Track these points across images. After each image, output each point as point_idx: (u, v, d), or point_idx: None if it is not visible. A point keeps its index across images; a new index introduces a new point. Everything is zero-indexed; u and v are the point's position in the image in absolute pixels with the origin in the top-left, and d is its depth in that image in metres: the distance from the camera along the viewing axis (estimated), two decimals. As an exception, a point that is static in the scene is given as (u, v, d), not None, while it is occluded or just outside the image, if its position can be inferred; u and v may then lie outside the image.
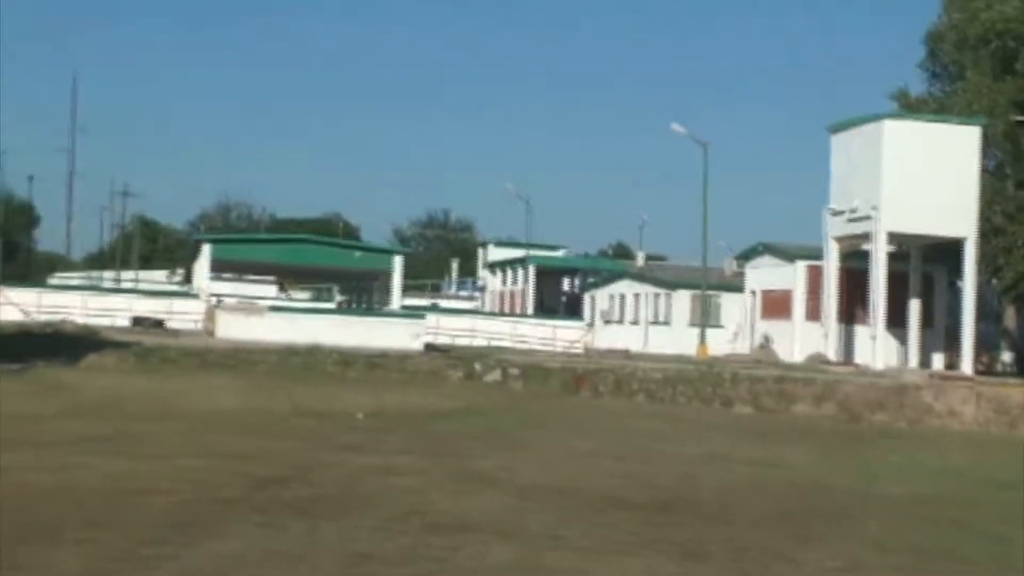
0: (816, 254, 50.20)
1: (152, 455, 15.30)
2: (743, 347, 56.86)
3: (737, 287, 60.33)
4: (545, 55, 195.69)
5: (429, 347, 46.80)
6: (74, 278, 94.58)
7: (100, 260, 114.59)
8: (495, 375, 34.69)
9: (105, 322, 50.41)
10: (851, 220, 46.67)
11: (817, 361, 46.46)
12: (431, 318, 56.63)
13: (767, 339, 55.11)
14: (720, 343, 56.99)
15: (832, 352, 48.26)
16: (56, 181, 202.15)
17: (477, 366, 35.65)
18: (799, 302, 52.98)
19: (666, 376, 34.33)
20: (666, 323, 63.90)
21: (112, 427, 18.19)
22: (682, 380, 33.79)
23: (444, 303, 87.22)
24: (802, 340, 51.17)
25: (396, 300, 56.23)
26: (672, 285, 64.18)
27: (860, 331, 49.01)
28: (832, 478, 17.91)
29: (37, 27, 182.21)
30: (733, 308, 60.87)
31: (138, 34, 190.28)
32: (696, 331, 56.82)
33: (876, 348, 45.12)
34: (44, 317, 49.61)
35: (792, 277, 53.66)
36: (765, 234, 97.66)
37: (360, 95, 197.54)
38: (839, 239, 48.12)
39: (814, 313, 50.91)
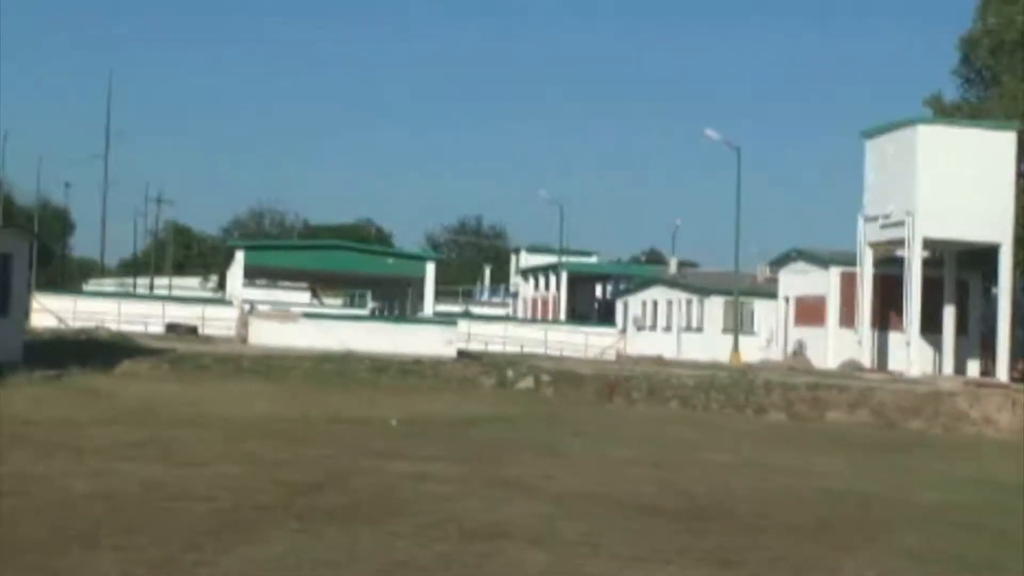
0: (850, 260, 50.00)
1: (188, 461, 15.35)
2: (776, 354, 56.64)
3: (770, 293, 60.13)
4: (578, 60, 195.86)
5: (462, 353, 46.78)
6: (108, 285, 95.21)
7: (134, 266, 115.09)
8: (528, 382, 34.68)
9: (139, 329, 50.70)
10: (885, 226, 46.49)
11: (851, 368, 46.28)
12: (463, 324, 56.63)
13: (800, 346, 54.90)
14: (753, 350, 56.82)
15: (866, 359, 48.08)
16: (91, 187, 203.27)
17: (510, 373, 35.65)
18: (833, 308, 52.76)
19: (699, 383, 34.25)
20: (699, 329, 63.73)
21: (147, 433, 18.26)
22: (715, 387, 33.70)
23: (477, 309, 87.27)
24: (836, 347, 50.99)
25: (429, 306, 56.24)
26: (705, 291, 64.01)
27: (894, 338, 48.80)
28: (867, 486, 17.81)
29: (72, 34, 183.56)
30: (766, 314, 60.69)
31: (172, 41, 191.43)
32: (729, 338, 56.67)
33: (911, 355, 44.91)
34: (79, 324, 49.85)
35: (826, 283, 53.45)
36: (798, 240, 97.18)
37: (393, 101, 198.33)
38: (873, 245, 47.93)
39: (848, 319, 50.71)
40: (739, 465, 19.50)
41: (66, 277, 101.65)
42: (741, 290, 58.36)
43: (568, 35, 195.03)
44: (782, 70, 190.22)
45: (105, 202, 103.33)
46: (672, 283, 69.47)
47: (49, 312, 53.18)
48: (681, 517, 13.36)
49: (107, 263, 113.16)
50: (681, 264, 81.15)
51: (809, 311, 55.42)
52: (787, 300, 57.81)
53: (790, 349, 55.93)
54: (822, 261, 54.48)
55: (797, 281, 57.13)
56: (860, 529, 13.55)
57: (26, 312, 42.90)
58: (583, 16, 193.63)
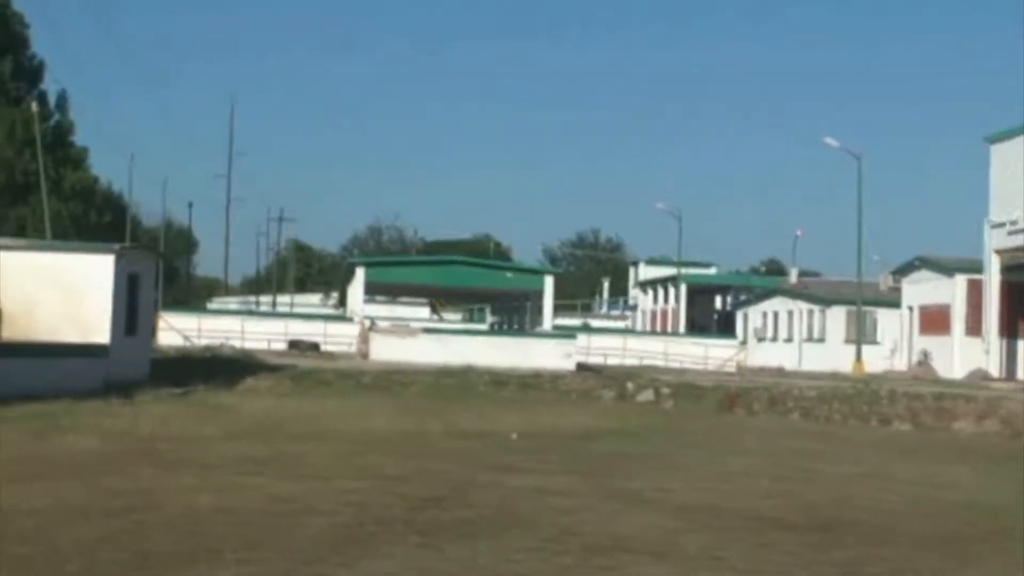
0: (976, 267, 49.09)
1: (310, 476, 15.50)
2: (900, 364, 55.83)
3: (893, 302, 59.30)
4: (694, 71, 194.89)
5: (581, 367, 46.78)
6: (232, 302, 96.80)
7: (256, 284, 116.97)
8: (647, 394, 34.53)
9: (262, 346, 51.52)
10: (1012, 232, 45.57)
11: (978, 377, 45.37)
12: (582, 338, 56.66)
13: (925, 355, 54.01)
14: (876, 360, 56.06)
15: (994, 368, 47.12)
16: (213, 207, 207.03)
17: (629, 385, 35.54)
18: (958, 317, 51.85)
19: (821, 394, 33.81)
20: (820, 340, 63.04)
21: (270, 449, 18.48)
22: (838, 398, 33.24)
23: (595, 322, 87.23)
24: (962, 356, 50.07)
25: (547, 320, 56.36)
26: (826, 301, 63.32)
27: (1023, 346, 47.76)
28: (995, 498, 17.38)
29: (194, 57, 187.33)
30: (890, 324, 59.85)
31: (291, 60, 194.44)
32: (851, 348, 55.97)
33: (1041, 363, 43.93)
34: (203, 341, 50.82)
35: (951, 291, 52.54)
36: (922, 248, 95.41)
37: (508, 115, 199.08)
38: (1000, 251, 46.99)
39: (974, 328, 49.78)
40: (862, 476, 19.17)
41: (191, 296, 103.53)
42: (864, 300, 57.56)
43: (683, 45, 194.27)
44: (903, 74, 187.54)
45: (228, 221, 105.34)
46: (793, 293, 68.83)
47: (175, 330, 54.28)
48: (803, 530, 13.17)
49: (230, 281, 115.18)
50: (802, 274, 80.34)
51: (934, 320, 54.53)
52: (911, 309, 56.93)
53: (915, 359, 55.06)
54: (947, 269, 53.56)
55: (921, 290, 56.24)
56: (987, 540, 13.23)
57: (153, 331, 43.78)
58: (697, 26, 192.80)
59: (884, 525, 13.83)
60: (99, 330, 29.97)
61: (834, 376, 46.87)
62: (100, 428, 20.04)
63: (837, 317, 62.06)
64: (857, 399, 33.12)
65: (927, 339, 54.71)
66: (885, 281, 64.37)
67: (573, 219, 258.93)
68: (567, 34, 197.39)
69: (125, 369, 29.81)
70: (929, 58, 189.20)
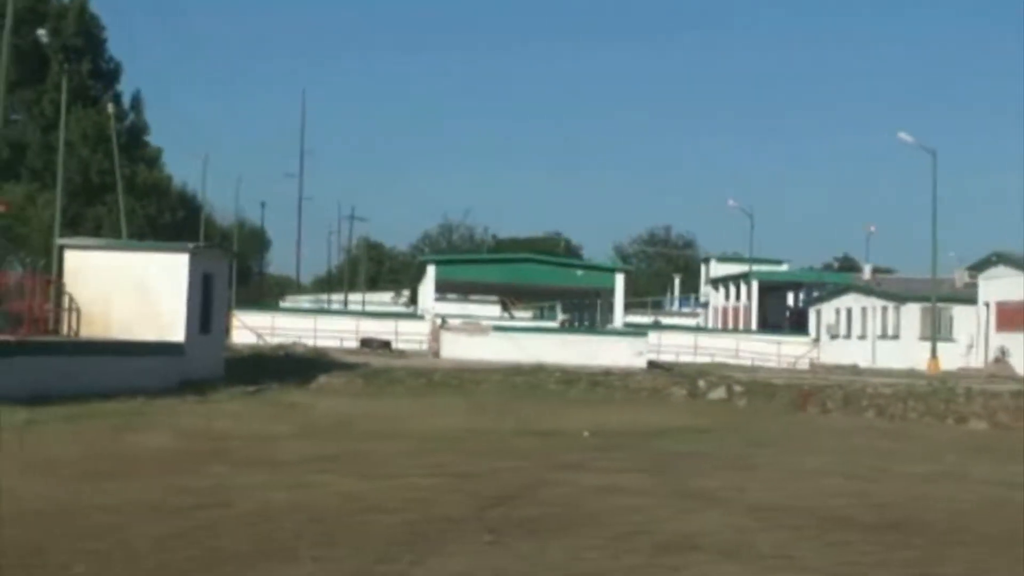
0: (1054, 263, 48.39)
1: (381, 474, 15.58)
2: (977, 361, 55.14)
3: (969, 299, 58.57)
4: (767, 68, 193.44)
5: (652, 364, 46.65)
6: (304, 301, 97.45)
7: (328, 283, 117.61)
8: (719, 392, 34.35)
9: (334, 344, 51.85)
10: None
11: (1057, 375, 44.70)
12: (653, 335, 56.52)
13: (1003, 352, 53.33)
14: (952, 357, 55.40)
15: (1073, 365, 46.40)
16: (285, 206, 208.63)
17: (701, 383, 35.36)
18: (1037, 313, 51.11)
19: (896, 392, 33.46)
20: (895, 337, 62.39)
21: (342, 447, 18.60)
22: (913, 396, 32.88)
23: (666, 320, 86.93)
24: (1041, 353, 49.36)
25: (618, 318, 56.23)
26: (901, 298, 62.64)
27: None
28: (1075, 497, 17.11)
29: (266, 56, 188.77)
30: (965, 321, 59.12)
31: (360, 59, 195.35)
32: (926, 345, 55.38)
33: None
34: (277, 340, 51.22)
35: (1029, 287, 51.80)
36: (998, 243, 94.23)
37: (579, 112, 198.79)
38: (1079, 247, 46.26)
39: (1053, 324, 49.05)
40: (937, 476, 18.95)
41: (263, 294, 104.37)
42: (939, 296, 56.91)
43: (757, 43, 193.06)
44: (980, 69, 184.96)
45: (300, 220, 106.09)
46: (867, 290, 68.17)
47: (248, 329, 54.80)
48: (876, 529, 13.04)
49: (302, 280, 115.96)
50: (876, 270, 79.54)
51: (1011, 316, 53.82)
52: (987, 306, 56.22)
53: (991, 356, 54.35)
54: (1024, 265, 52.82)
55: (998, 286, 55.52)
56: (1067, 543, 13.03)
57: (226, 329, 44.21)
58: (769, 24, 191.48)
59: (957, 525, 13.66)
60: (174, 329, 30.32)
61: (909, 374, 46.39)
62: (174, 426, 20.29)
63: (912, 314, 61.39)
64: (933, 397, 32.74)
65: (1004, 336, 54.02)
66: (961, 277, 63.60)
67: (644, 216, 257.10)
68: (638, 32, 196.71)
69: (199, 367, 30.13)
70: (1005, 51, 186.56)
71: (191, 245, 33.74)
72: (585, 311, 71.75)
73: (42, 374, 24.09)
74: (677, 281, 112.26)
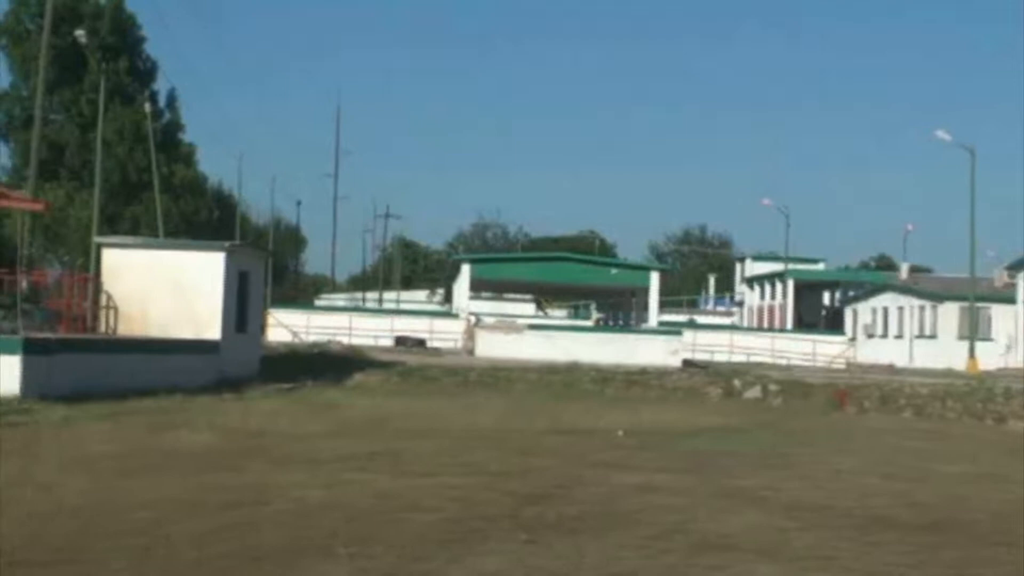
0: (1094, 262, 48.01)
1: (417, 472, 15.58)
2: (1016, 361, 54.72)
3: (1008, 298, 58.20)
4: (802, 67, 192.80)
5: (687, 363, 46.54)
6: (339, 299, 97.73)
7: (363, 281, 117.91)
8: (755, 391, 34.24)
9: (369, 342, 51.98)
10: None
11: (1096, 375, 44.35)
12: (688, 334, 56.39)
13: (1042, 352, 52.92)
14: (991, 357, 55.06)
15: (1112, 365, 46.03)
16: (321, 205, 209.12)
17: (736, 382, 35.26)
18: (1076, 313, 50.73)
19: (934, 391, 33.27)
20: (932, 336, 62.02)
21: (378, 445, 18.60)
22: (951, 395, 32.68)
23: (701, 319, 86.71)
24: (1080, 353, 48.99)
25: (653, 316, 56.16)
26: (938, 297, 62.28)
27: None
28: (1117, 499, 16.96)
29: (302, 56, 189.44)
30: (1004, 320, 58.74)
31: (395, 57, 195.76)
32: (964, 345, 55.06)
33: None
34: (312, 338, 51.38)
35: (1068, 287, 51.41)
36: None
37: (614, 111, 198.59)
38: (1118, 246, 45.89)
39: (1093, 324, 48.67)
40: (976, 476, 18.82)
41: (299, 293, 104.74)
42: (977, 295, 56.54)
43: (791, 42, 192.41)
44: (1014, 66, 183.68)
45: (335, 219, 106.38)
46: (904, 289, 67.80)
47: (284, 327, 55.01)
48: (915, 530, 12.95)
49: (337, 278, 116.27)
50: (913, 269, 79.12)
51: (1050, 316, 53.38)
52: (1026, 305, 55.78)
53: (1030, 356, 53.96)
54: (1064, 264, 52.43)
55: (1037, 285, 55.07)
56: (1109, 544, 12.91)
57: (262, 327, 44.38)
58: (806, 24, 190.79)
59: (999, 526, 13.56)
60: (211, 326, 30.46)
61: (947, 373, 46.12)
62: (212, 423, 20.36)
63: (950, 313, 61.01)
64: (971, 397, 32.54)
65: (1043, 336, 53.68)
66: (1000, 277, 63.20)
67: (679, 215, 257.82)
68: (674, 31, 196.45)
69: (236, 365, 30.27)
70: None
71: (227, 244, 33.88)
72: (620, 310, 71.66)
73: (80, 372, 24.25)
74: (712, 280, 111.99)
